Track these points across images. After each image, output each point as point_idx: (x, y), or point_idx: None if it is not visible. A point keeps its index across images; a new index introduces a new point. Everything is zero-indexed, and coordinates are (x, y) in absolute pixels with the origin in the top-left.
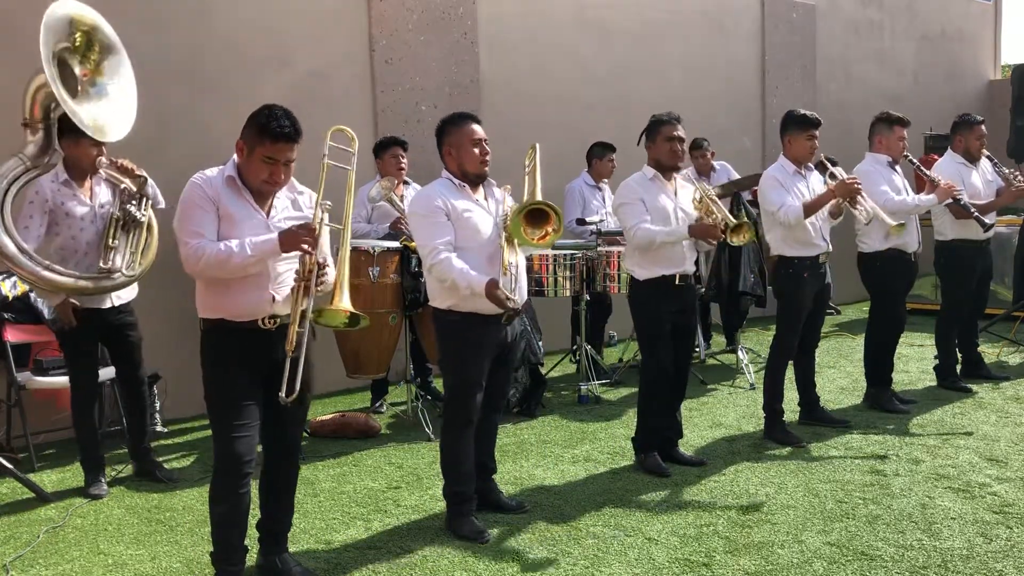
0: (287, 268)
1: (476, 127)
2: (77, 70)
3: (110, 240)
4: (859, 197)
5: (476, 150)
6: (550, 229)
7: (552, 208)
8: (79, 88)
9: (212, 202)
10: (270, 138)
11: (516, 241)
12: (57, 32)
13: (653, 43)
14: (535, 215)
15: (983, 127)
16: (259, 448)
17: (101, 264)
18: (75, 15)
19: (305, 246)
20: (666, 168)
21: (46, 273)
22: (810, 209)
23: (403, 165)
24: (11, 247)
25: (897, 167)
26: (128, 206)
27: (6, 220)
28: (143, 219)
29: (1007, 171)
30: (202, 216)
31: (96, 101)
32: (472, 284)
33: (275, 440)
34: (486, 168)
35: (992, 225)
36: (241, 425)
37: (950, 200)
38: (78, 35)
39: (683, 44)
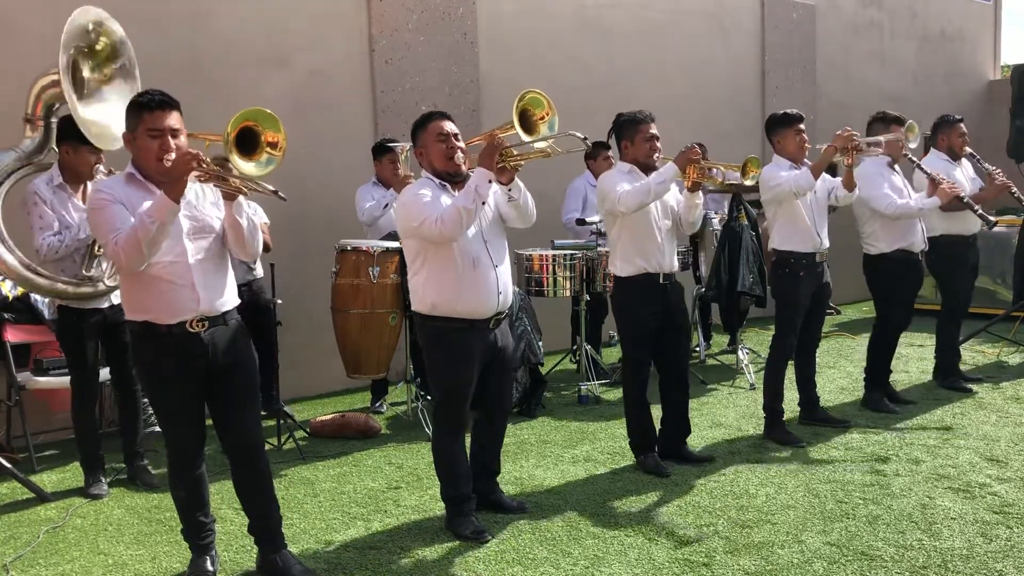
0: (211, 265)
1: (442, 123)
2: (86, 73)
3: (96, 248)
4: (861, 143)
5: (442, 145)
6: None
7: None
8: (84, 90)
9: (119, 202)
10: (146, 110)
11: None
12: (77, 37)
13: (653, 43)
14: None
15: (963, 125)
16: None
17: (83, 271)
18: (102, 22)
19: (188, 166)
20: (645, 167)
21: (26, 273)
22: (816, 170)
23: (400, 169)
24: None
25: (896, 167)
26: None
27: None
28: None
29: (989, 168)
30: (113, 213)
31: (99, 106)
32: (469, 187)
33: (234, 441)
34: (457, 164)
35: (995, 223)
36: (181, 424)
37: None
38: (101, 41)
39: (683, 44)
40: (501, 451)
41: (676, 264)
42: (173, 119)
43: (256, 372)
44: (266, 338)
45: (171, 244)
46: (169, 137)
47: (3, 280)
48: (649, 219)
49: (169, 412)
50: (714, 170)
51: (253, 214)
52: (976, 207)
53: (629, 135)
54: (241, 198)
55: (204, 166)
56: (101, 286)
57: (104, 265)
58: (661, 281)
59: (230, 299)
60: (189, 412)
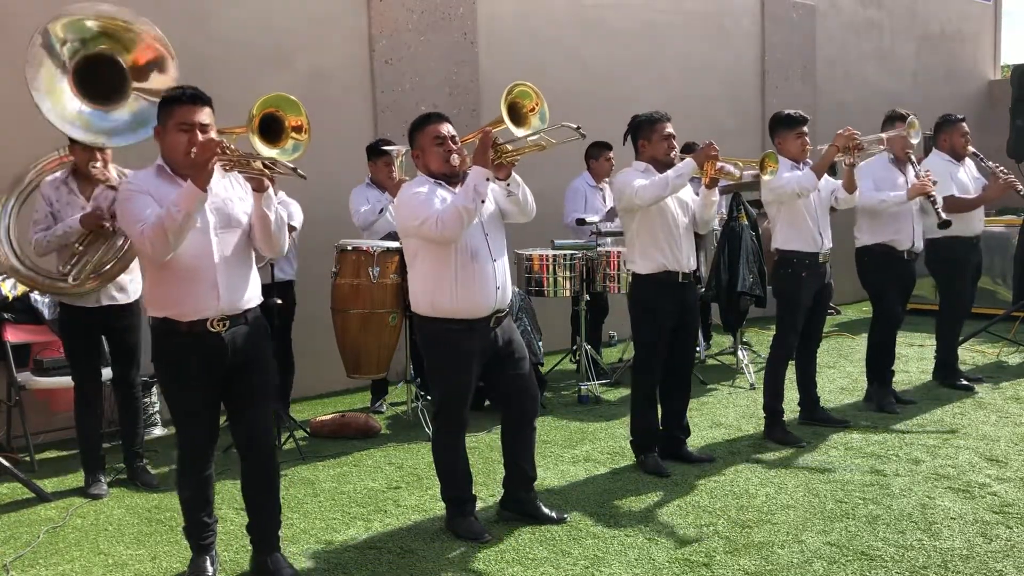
0: (236, 261)
1: (439, 126)
2: (125, 60)
3: (76, 245)
4: (862, 142)
5: (439, 148)
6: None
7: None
8: (123, 85)
9: (146, 193)
10: (177, 104)
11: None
12: (57, 35)
13: (653, 43)
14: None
15: (964, 124)
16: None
17: (60, 266)
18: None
19: (212, 153)
20: (662, 164)
21: (16, 263)
22: (819, 170)
23: (394, 172)
24: None
25: (909, 166)
26: (104, 219)
27: (10, 201)
28: (110, 227)
29: (992, 165)
30: (140, 204)
31: (115, 105)
32: (467, 187)
33: (248, 438)
34: (453, 167)
35: (949, 222)
36: (196, 425)
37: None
38: (105, 31)
39: (683, 44)
40: (534, 454)
41: (694, 262)
42: (204, 115)
43: (272, 369)
44: (280, 345)
45: (197, 239)
46: (199, 132)
47: (3, 280)
48: (667, 215)
49: (184, 411)
50: (731, 166)
51: (288, 216)
52: (937, 206)
53: (646, 134)
54: (271, 191)
55: (228, 152)
56: (65, 285)
57: (75, 267)
58: (680, 280)
59: (253, 297)
60: (204, 412)
